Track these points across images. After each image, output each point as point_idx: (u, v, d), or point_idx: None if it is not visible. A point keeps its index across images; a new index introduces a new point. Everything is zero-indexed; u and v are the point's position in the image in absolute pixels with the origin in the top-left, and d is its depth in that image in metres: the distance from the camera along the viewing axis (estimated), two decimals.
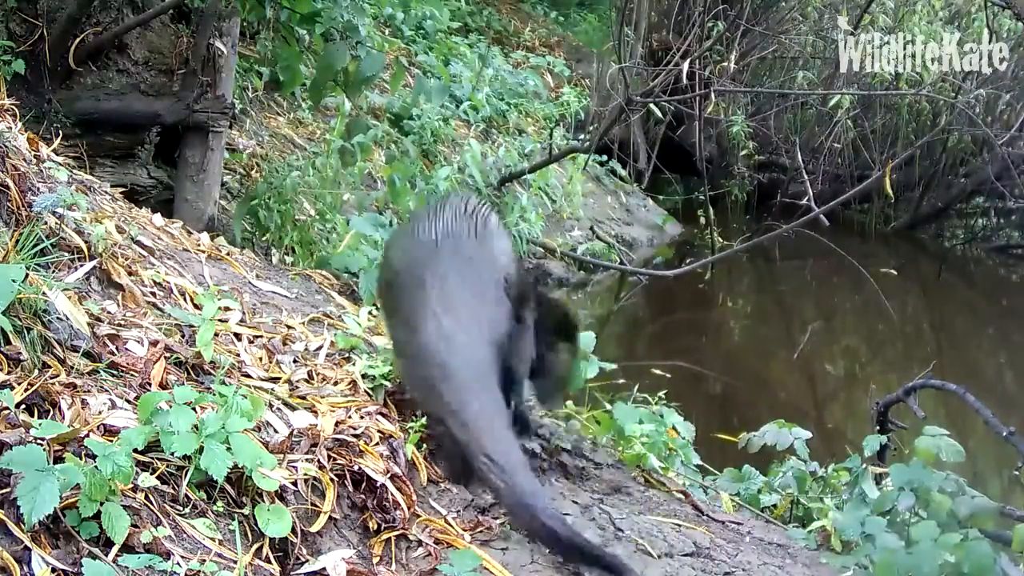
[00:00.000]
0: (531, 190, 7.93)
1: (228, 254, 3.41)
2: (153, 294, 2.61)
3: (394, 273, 2.46)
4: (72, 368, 2.02)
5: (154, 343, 2.26)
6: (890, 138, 10.09)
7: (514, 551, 2.14)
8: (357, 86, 4.54)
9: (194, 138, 4.27)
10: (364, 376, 2.52)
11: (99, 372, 2.07)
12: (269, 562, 1.84)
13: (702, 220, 8.09)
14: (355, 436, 2.22)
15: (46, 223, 2.35)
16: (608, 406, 3.02)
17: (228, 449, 1.87)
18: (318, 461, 2.08)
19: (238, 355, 2.47)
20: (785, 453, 3.18)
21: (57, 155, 3.07)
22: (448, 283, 2.30)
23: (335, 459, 2.13)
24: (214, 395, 2.07)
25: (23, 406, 1.82)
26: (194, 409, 1.94)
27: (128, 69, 4.23)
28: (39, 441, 1.70)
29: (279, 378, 2.44)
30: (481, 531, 2.19)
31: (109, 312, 2.34)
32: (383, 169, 5.96)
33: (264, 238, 4.53)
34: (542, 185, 8.10)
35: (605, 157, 9.34)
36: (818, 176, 9.83)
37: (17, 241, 2.18)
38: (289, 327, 2.79)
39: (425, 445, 2.46)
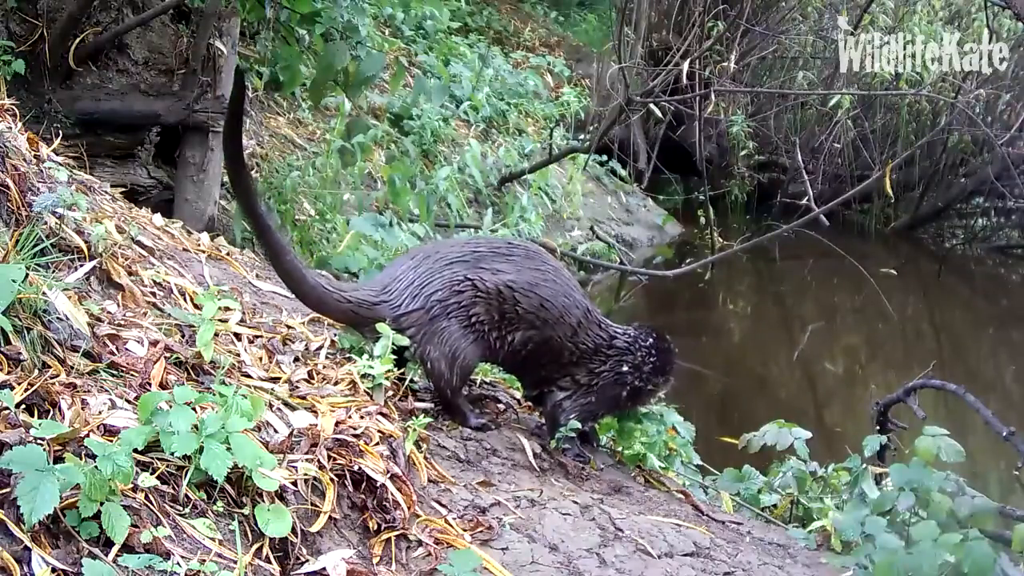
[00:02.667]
0: (531, 190, 7.93)
1: (228, 254, 3.40)
2: (153, 294, 2.61)
3: None
4: (72, 368, 2.02)
5: (154, 343, 2.26)
6: (890, 138, 10.10)
7: (514, 551, 2.14)
8: (357, 86, 4.55)
9: (194, 138, 4.27)
10: (364, 376, 2.52)
11: (99, 372, 2.07)
12: (269, 562, 1.84)
13: (702, 220, 8.09)
14: (355, 436, 2.22)
15: (46, 223, 2.35)
16: None
17: (228, 449, 1.86)
18: (318, 461, 2.08)
19: (238, 355, 2.47)
20: (785, 453, 3.18)
21: (57, 155, 3.07)
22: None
23: (335, 459, 2.13)
24: (214, 395, 2.07)
25: (23, 406, 1.82)
26: (194, 409, 1.94)
27: (128, 69, 4.23)
28: (39, 441, 1.69)
29: (279, 378, 2.44)
30: (481, 531, 2.19)
31: (109, 312, 2.34)
32: (383, 169, 5.96)
33: None
34: (542, 185, 8.10)
35: (605, 157, 9.35)
36: (818, 176, 9.85)
37: (17, 241, 2.18)
38: (289, 327, 2.79)
39: (425, 445, 2.46)
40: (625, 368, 2.74)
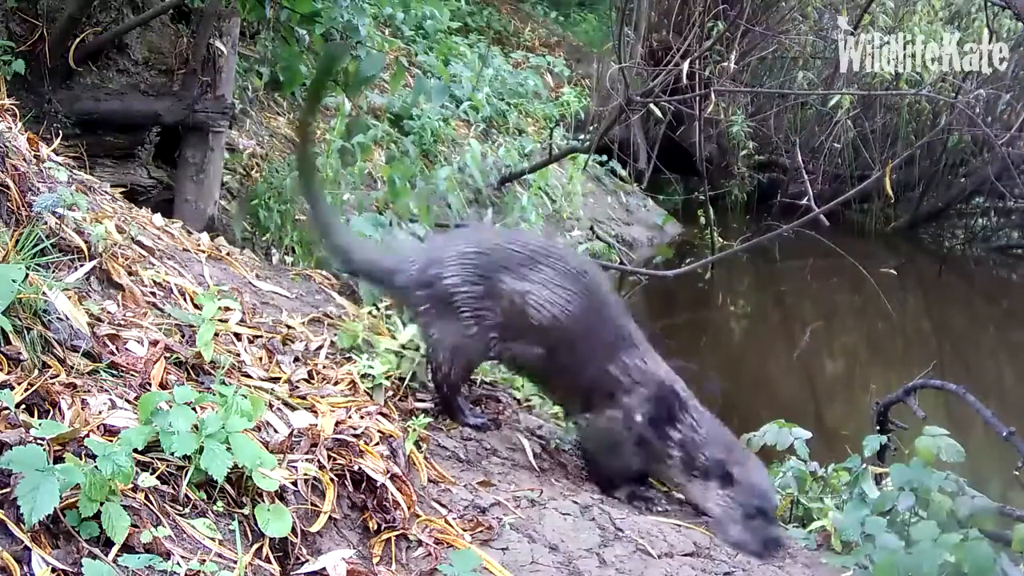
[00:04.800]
0: (531, 190, 7.93)
1: (228, 254, 3.41)
2: (153, 294, 2.61)
3: None
4: (72, 368, 2.02)
5: (154, 343, 2.26)
6: (890, 138, 10.09)
7: (514, 551, 2.14)
8: (357, 86, 4.54)
9: (194, 138, 4.27)
10: (364, 376, 2.52)
11: (99, 372, 2.07)
12: (269, 562, 1.84)
13: (702, 220, 8.09)
14: (355, 436, 2.22)
15: (46, 223, 2.35)
16: None
17: (228, 449, 1.86)
18: (318, 461, 2.08)
19: (238, 355, 2.47)
20: (785, 453, 3.18)
21: (57, 155, 3.07)
22: None
23: (335, 459, 2.13)
24: (214, 395, 2.07)
25: (23, 406, 1.82)
26: (194, 409, 1.94)
27: (128, 69, 4.23)
28: (39, 441, 1.69)
29: (279, 378, 2.44)
30: (481, 531, 2.19)
31: (109, 312, 2.34)
32: (383, 169, 5.95)
33: (264, 238, 4.53)
34: (542, 185, 8.10)
35: (605, 157, 9.35)
36: (818, 176, 9.84)
37: (17, 241, 2.18)
38: (289, 327, 2.79)
39: (425, 445, 2.46)
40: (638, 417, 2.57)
